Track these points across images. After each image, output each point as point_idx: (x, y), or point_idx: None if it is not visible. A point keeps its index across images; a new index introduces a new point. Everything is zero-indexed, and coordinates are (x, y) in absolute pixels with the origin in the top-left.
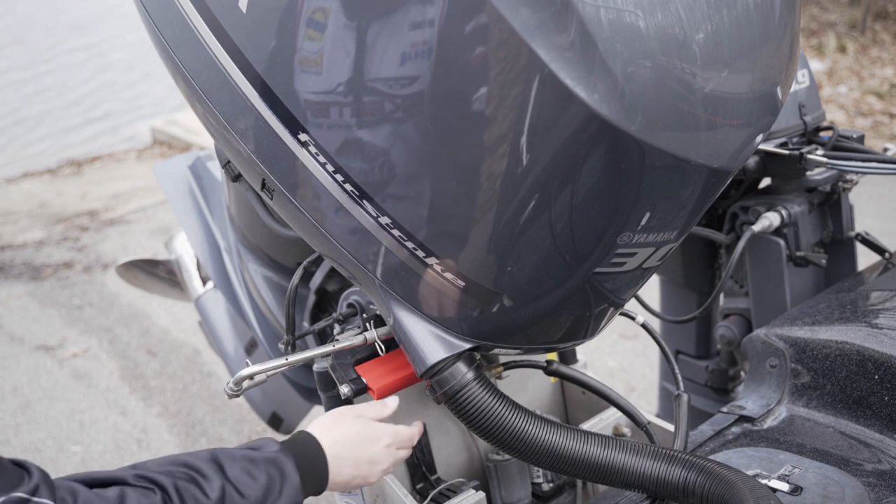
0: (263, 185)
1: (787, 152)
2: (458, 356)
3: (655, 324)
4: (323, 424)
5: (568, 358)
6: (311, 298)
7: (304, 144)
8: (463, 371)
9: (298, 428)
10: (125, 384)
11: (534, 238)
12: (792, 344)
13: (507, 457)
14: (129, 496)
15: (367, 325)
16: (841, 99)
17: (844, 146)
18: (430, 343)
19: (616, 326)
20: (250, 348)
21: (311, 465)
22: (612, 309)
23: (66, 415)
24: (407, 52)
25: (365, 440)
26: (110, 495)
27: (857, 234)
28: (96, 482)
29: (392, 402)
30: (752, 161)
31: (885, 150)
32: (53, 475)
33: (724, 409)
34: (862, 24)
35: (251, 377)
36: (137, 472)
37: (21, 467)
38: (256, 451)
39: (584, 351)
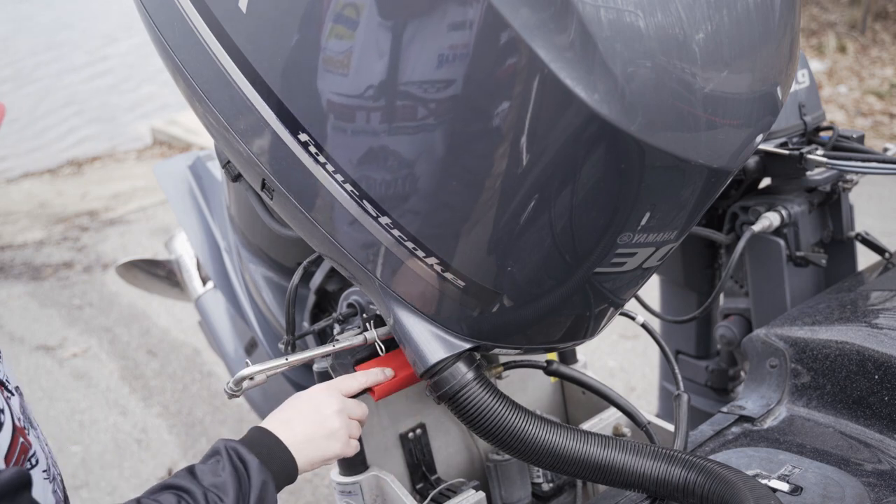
0: (263, 185)
1: (787, 152)
2: (458, 356)
3: (655, 324)
4: (270, 415)
5: (568, 358)
6: (311, 298)
7: (304, 145)
8: (463, 371)
9: None
10: (125, 384)
11: (534, 238)
12: (792, 344)
13: (507, 457)
14: None
15: (367, 325)
16: (841, 99)
17: (844, 146)
18: (430, 343)
19: (616, 326)
20: (250, 348)
21: (264, 443)
22: (612, 309)
23: (66, 415)
24: (405, 53)
25: (310, 408)
26: None
27: (857, 234)
28: None
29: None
30: (752, 161)
31: (885, 150)
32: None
33: (724, 409)
34: (862, 24)
35: (251, 377)
36: None
37: None
38: (214, 454)
39: (584, 351)
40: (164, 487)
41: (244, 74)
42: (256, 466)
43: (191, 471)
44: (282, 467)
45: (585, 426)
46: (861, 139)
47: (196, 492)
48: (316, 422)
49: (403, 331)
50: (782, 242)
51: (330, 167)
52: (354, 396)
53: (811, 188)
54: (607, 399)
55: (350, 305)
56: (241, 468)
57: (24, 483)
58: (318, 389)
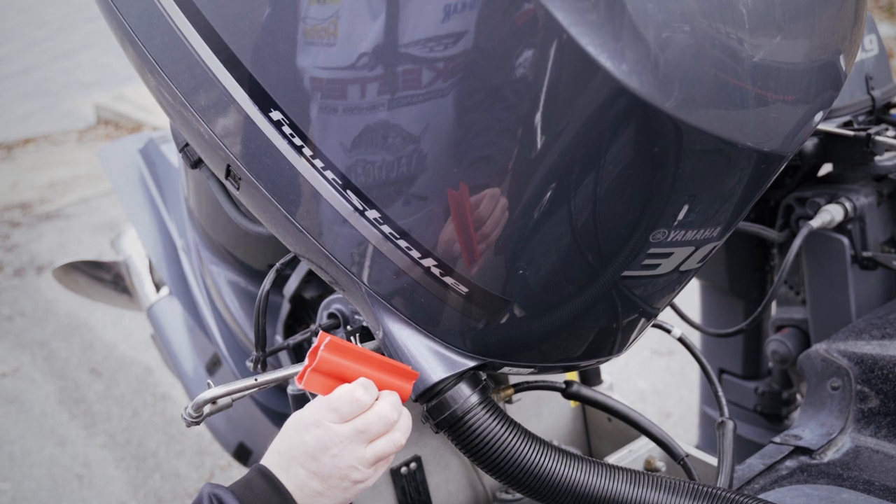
0: (228, 173)
1: (851, 133)
2: (460, 376)
3: (695, 337)
4: (273, 444)
5: (591, 378)
6: (286, 307)
7: (277, 124)
8: (466, 394)
9: None
10: (64, 409)
11: (550, 236)
12: (857, 361)
13: (517, 496)
14: None
15: (352, 338)
16: None
17: None
18: (428, 361)
19: (648, 341)
20: (212, 366)
21: (259, 490)
22: (643, 320)
23: None
24: (402, 15)
25: (316, 449)
26: None
27: None
28: None
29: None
30: (811, 144)
31: None
32: None
33: (777, 440)
34: None
35: (214, 401)
36: None
37: None
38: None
39: (609, 370)
40: None
41: (205, 41)
42: None
43: None
44: None
45: (611, 459)
46: None
47: None
48: (332, 482)
49: (395, 346)
50: (846, 241)
51: (308, 151)
52: None
53: (880, 176)
54: (637, 427)
55: (331, 316)
56: None
57: None
58: (338, 442)
